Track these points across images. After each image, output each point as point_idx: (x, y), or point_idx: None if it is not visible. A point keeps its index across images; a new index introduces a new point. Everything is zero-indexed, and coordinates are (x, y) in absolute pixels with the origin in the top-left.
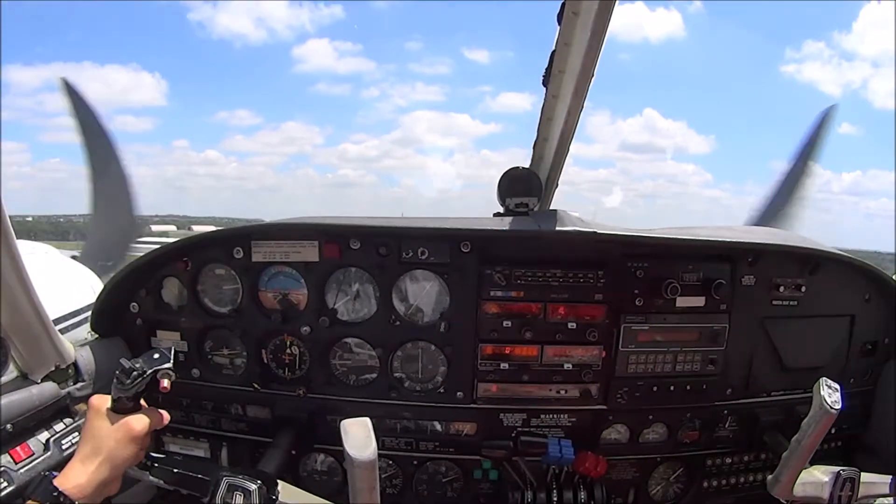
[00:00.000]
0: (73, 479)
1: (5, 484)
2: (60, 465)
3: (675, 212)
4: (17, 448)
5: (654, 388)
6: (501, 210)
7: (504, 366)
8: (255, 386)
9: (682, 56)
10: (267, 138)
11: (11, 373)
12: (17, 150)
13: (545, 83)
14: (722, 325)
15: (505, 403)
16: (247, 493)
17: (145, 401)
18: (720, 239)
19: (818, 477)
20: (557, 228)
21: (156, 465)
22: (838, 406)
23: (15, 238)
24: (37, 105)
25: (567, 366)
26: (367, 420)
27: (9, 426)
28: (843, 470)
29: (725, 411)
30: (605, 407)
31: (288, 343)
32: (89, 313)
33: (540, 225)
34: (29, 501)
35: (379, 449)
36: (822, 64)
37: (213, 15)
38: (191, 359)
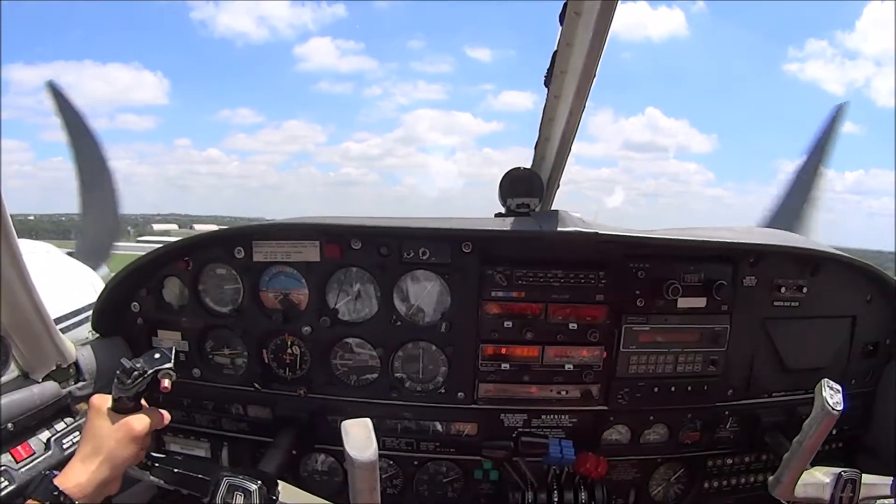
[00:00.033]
0: (73, 478)
1: (6, 483)
2: (61, 464)
3: (678, 211)
4: (18, 447)
5: (655, 389)
6: (503, 210)
7: (505, 366)
8: (256, 386)
9: (684, 55)
10: (269, 137)
11: (13, 372)
12: (18, 149)
13: (547, 83)
14: (723, 326)
15: (506, 404)
16: (247, 494)
17: (146, 400)
18: (721, 240)
19: (819, 478)
20: (559, 229)
21: (156, 464)
22: (840, 407)
23: (16, 237)
24: (38, 104)
25: (568, 366)
26: (368, 421)
27: (10, 425)
28: (845, 471)
29: (726, 412)
30: (605, 408)
31: (289, 343)
32: (90, 313)
33: (541, 225)
34: (29, 500)
35: (380, 449)
36: (826, 62)
37: (214, 14)
38: (192, 358)
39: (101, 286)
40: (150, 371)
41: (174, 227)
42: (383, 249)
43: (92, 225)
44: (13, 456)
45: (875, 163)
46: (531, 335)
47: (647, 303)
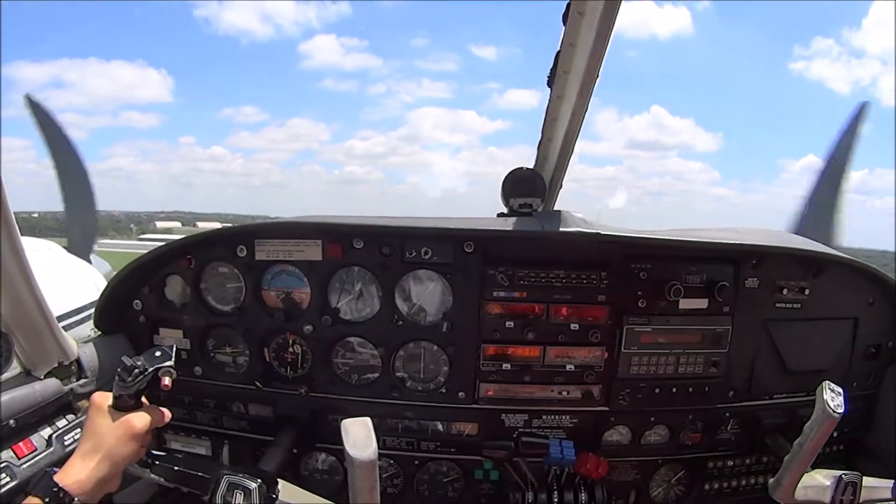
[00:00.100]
0: (73, 475)
1: (8, 479)
2: (63, 461)
3: (682, 210)
4: (20, 443)
5: (657, 390)
6: (505, 210)
7: (506, 366)
8: (257, 384)
9: (689, 53)
10: (273, 135)
11: (15, 369)
12: (22, 147)
13: (550, 84)
14: (725, 328)
15: (507, 404)
16: (247, 492)
17: (147, 398)
18: (723, 241)
19: (820, 481)
20: (561, 229)
21: (156, 462)
22: (841, 410)
23: (19, 234)
24: (42, 101)
25: (569, 367)
26: (368, 420)
27: (11, 422)
28: (845, 474)
29: (727, 414)
30: (606, 408)
31: (290, 342)
32: (93, 310)
33: (543, 226)
34: (30, 497)
35: (380, 448)
36: (832, 61)
37: (218, 12)
38: (193, 357)
39: (103, 284)
40: (151, 369)
41: (177, 224)
42: (385, 249)
43: (75, 223)
44: (15, 452)
45: (879, 163)
46: (532, 335)
47: (649, 303)
